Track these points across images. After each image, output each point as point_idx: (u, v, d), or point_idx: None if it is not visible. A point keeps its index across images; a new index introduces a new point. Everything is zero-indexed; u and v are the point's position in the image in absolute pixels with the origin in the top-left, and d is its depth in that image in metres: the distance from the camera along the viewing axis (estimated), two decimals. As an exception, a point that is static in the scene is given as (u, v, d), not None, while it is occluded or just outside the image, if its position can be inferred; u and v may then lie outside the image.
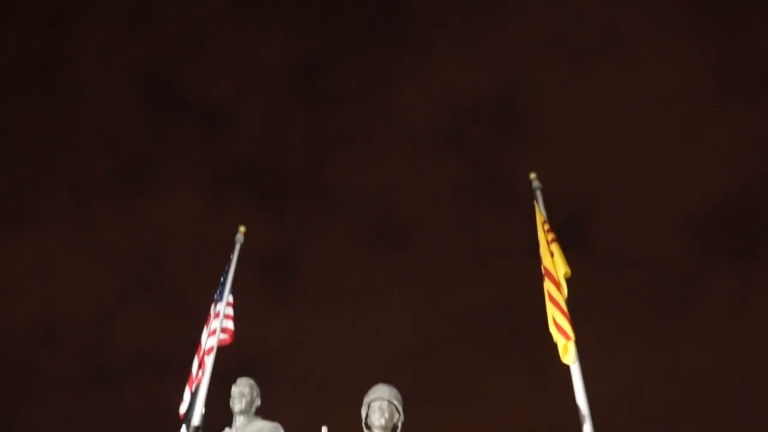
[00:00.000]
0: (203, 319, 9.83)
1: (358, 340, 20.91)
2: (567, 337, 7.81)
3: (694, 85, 21.03)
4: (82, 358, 21.12)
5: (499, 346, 19.75)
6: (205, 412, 8.32)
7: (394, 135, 23.26)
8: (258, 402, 7.56)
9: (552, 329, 8.02)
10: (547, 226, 8.99)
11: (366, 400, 6.62)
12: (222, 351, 9.46)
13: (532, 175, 9.67)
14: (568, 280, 8.43)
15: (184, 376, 9.31)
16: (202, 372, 8.73)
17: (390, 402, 6.50)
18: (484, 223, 21.82)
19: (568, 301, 8.18)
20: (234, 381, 7.83)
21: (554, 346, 7.88)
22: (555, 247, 8.68)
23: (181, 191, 22.85)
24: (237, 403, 7.40)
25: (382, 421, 6.40)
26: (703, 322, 19.93)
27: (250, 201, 23.44)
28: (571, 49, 21.88)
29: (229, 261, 10.10)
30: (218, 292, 9.71)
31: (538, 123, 22.64)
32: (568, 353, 7.75)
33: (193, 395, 8.53)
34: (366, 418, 6.55)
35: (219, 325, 9.24)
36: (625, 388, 18.23)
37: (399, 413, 6.55)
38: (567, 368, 7.64)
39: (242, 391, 7.46)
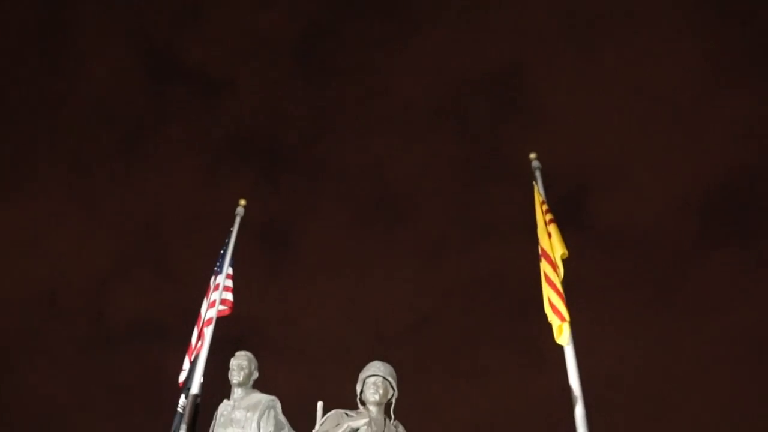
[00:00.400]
0: (201, 288, 9.94)
1: (355, 312, 21.09)
2: (562, 318, 7.90)
3: (697, 65, 20.97)
4: (81, 324, 21.33)
5: (494, 321, 19.92)
6: (204, 381, 8.46)
7: (393, 108, 23.22)
8: (256, 375, 7.68)
9: (547, 310, 8.10)
10: (545, 207, 9.02)
11: (361, 376, 6.75)
12: (221, 321, 9.59)
13: (532, 155, 9.67)
14: (565, 259, 8.49)
15: (182, 344, 9.45)
16: (202, 342, 8.84)
17: (385, 378, 6.64)
18: (482, 198, 21.87)
19: (564, 282, 8.24)
20: (233, 352, 7.94)
21: (549, 324, 7.97)
22: (552, 228, 8.72)
23: (180, 160, 22.86)
24: (235, 376, 7.52)
25: (377, 397, 6.54)
26: (700, 304, 20.04)
27: (248, 171, 23.47)
28: (575, 25, 21.76)
29: (229, 233, 10.16)
30: (218, 264, 9.79)
31: (540, 99, 22.59)
32: (563, 334, 7.84)
33: (192, 365, 8.65)
34: (361, 394, 6.68)
35: (218, 297, 9.33)
36: (619, 368, 18.43)
37: (393, 389, 6.69)
38: (561, 346, 7.73)
39: (241, 364, 7.57)
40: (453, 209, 22.51)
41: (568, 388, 7.31)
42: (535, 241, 8.84)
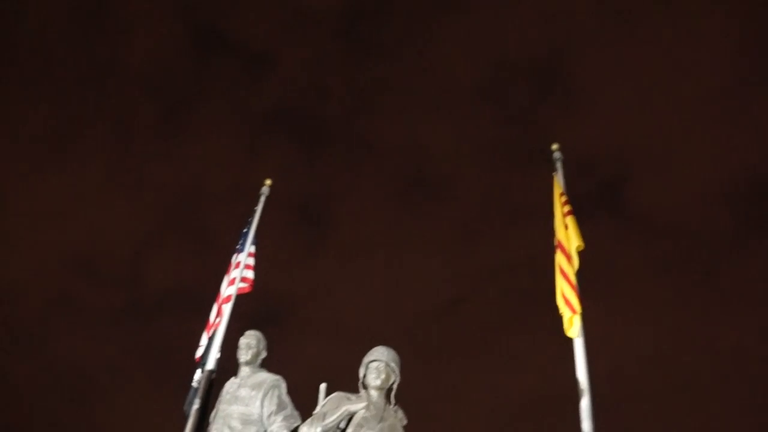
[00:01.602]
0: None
1: (387, 291, 21.24)
2: (573, 311, 7.90)
3: (740, 52, 20.40)
4: (117, 292, 21.84)
5: (526, 307, 19.84)
6: (221, 357, 8.68)
7: (434, 88, 23.14)
8: (264, 354, 7.80)
9: (559, 301, 8.12)
10: (564, 198, 8.98)
11: (365, 360, 6.86)
12: (247, 296, 9.80)
13: (554, 146, 9.59)
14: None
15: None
16: (220, 319, 9.07)
17: (387, 364, 6.74)
18: (518, 181, 21.76)
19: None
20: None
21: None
22: (570, 220, 8.69)
23: (220, 133, 23.17)
24: (243, 354, 7.65)
25: (378, 382, 6.65)
26: (734, 296, 19.73)
27: (286, 146, 23.70)
28: (617, 10, 21.33)
29: (252, 212, 10.35)
30: (240, 242, 9.99)
31: (579, 84, 22.35)
32: (573, 326, 7.86)
33: (210, 341, 8.89)
34: (363, 378, 6.80)
35: (239, 275, 9.54)
36: (644, 358, 18.26)
37: (395, 375, 6.79)
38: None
39: (249, 343, 7.71)
40: (490, 192, 22.47)
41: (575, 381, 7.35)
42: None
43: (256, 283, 9.90)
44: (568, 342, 7.79)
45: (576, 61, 22.66)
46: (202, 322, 9.49)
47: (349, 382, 6.99)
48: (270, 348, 7.91)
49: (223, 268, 9.96)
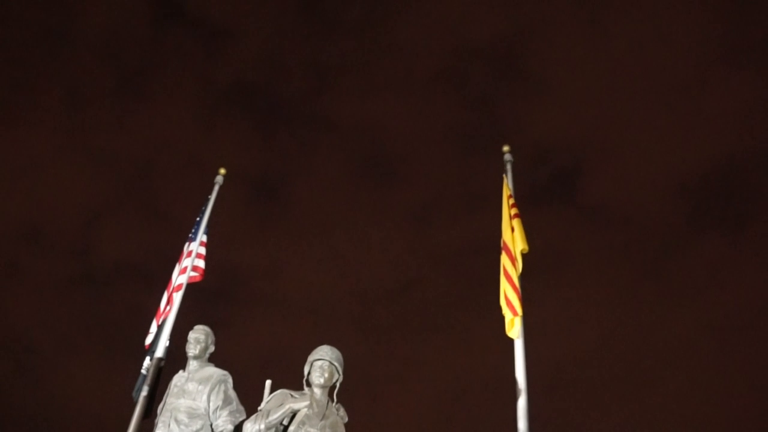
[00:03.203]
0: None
1: (340, 269, 21.42)
2: (515, 313, 8.17)
3: (700, 48, 20.86)
4: (66, 261, 21.53)
5: (478, 290, 20.19)
6: (170, 345, 8.81)
7: (394, 69, 23.19)
8: (212, 349, 7.96)
9: (502, 303, 8.38)
10: (512, 201, 9.18)
11: (310, 358, 7.07)
12: (206, 273, 9.91)
13: (505, 148, 9.75)
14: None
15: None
16: (170, 307, 9.17)
17: (331, 363, 6.96)
18: (476, 166, 21.99)
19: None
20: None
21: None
22: (516, 223, 8.89)
23: (176, 105, 22.97)
24: (192, 349, 7.79)
25: (322, 380, 6.87)
26: (682, 288, 20.33)
27: (244, 122, 23.56)
28: (582, -1, 21.53)
29: (206, 201, 10.40)
30: (193, 231, 10.05)
31: (541, 70, 22.54)
32: (514, 327, 8.14)
33: (159, 328, 9.00)
34: (308, 375, 7.01)
35: (190, 264, 9.63)
36: (595, 344, 18.78)
37: (339, 374, 7.02)
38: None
39: (198, 338, 7.86)
40: (446, 175, 22.68)
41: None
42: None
43: (208, 262, 10.01)
44: (525, 324, 8.04)
45: (536, 47, 22.89)
46: (152, 296, 9.56)
47: (297, 359, 7.21)
48: (217, 342, 8.08)
49: (175, 241, 10.00)
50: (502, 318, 8.35)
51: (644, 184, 21.86)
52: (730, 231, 20.83)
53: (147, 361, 8.65)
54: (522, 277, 8.50)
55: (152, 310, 9.57)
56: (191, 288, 9.60)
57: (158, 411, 7.67)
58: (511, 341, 8.07)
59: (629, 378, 19.25)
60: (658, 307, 20.17)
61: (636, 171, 21.79)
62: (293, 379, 7.18)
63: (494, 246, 8.96)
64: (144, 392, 8.12)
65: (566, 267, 20.91)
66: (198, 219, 10.16)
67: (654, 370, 19.30)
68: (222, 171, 10.63)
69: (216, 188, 10.56)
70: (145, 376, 8.39)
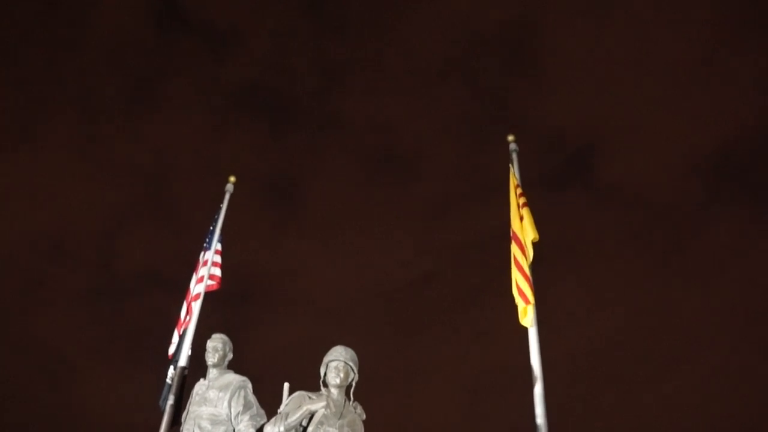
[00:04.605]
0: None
1: (358, 267, 21.53)
2: (527, 301, 8.24)
3: (710, 27, 20.66)
4: (87, 274, 21.83)
5: (496, 282, 20.15)
6: (192, 353, 9.02)
7: (403, 64, 23.23)
8: (230, 356, 8.12)
9: (514, 292, 8.45)
10: (519, 190, 9.23)
11: (325, 360, 7.20)
12: (222, 280, 10.08)
13: (510, 138, 9.79)
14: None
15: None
16: (190, 317, 9.36)
17: (346, 363, 7.08)
18: (488, 157, 21.94)
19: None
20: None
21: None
22: (525, 212, 8.94)
23: (187, 112, 23.10)
24: (210, 357, 7.96)
25: (338, 380, 7.00)
26: (703, 268, 20.17)
27: (254, 124, 23.70)
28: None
29: (218, 209, 10.54)
30: (207, 240, 10.21)
31: (550, 57, 22.48)
32: (527, 316, 8.21)
33: (181, 338, 9.20)
34: (324, 377, 7.15)
35: (207, 273, 9.80)
36: (614, 330, 18.72)
37: (354, 373, 7.15)
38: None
39: (216, 346, 8.02)
40: (459, 168, 22.70)
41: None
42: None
43: (225, 267, 10.18)
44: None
45: (545, 33, 22.85)
46: (173, 303, 9.74)
47: (319, 359, 7.33)
48: (238, 346, 8.26)
49: (193, 248, 10.17)
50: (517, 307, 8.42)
51: (659, 165, 21.76)
52: (747, 205, 20.68)
53: (171, 371, 8.87)
54: (537, 265, 8.57)
55: (174, 316, 9.80)
56: (210, 293, 9.81)
57: (182, 419, 7.87)
58: (527, 330, 8.15)
59: (650, 363, 19.18)
60: (678, 289, 20.08)
61: (650, 152, 21.67)
62: (315, 381, 7.32)
63: (509, 236, 9.01)
64: (170, 401, 8.35)
65: (584, 253, 20.89)
66: (211, 228, 10.32)
67: (675, 355, 19.22)
68: (232, 179, 10.75)
69: (227, 196, 10.70)
70: (170, 386, 8.62)
